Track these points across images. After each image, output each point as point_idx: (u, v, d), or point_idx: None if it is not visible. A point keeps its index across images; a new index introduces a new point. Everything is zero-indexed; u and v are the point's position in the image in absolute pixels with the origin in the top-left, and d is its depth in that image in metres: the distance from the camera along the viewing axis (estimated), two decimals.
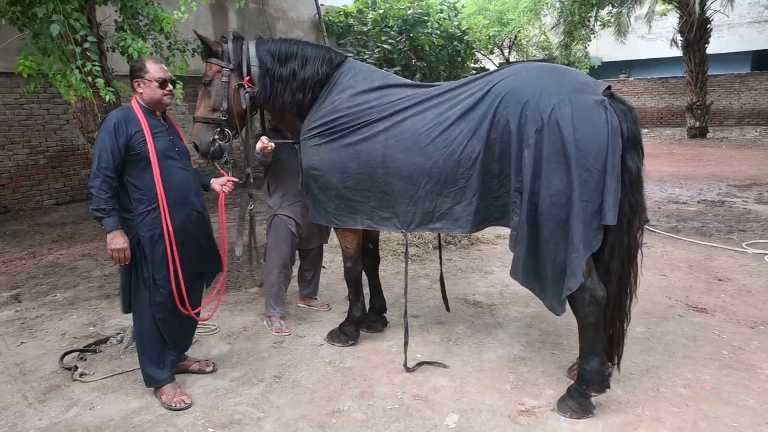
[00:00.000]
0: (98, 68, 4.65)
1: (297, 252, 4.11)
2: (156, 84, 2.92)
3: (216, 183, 3.24)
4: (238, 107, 3.29)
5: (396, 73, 8.41)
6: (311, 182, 3.27)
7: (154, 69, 2.92)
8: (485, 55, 21.84)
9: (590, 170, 2.49)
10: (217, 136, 3.28)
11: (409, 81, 3.35)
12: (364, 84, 3.21)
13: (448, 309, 3.88)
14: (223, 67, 3.25)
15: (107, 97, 4.65)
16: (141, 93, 2.94)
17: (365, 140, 3.07)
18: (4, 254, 6.17)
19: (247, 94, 3.26)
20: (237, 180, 3.29)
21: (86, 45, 4.61)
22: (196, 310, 3.17)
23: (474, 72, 14.62)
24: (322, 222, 3.38)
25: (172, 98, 3.03)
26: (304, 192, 3.40)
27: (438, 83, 3.18)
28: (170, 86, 2.97)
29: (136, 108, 2.92)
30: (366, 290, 3.83)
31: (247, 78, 3.25)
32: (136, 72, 2.93)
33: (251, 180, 3.55)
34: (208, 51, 3.29)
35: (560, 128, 2.51)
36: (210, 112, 3.30)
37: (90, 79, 4.59)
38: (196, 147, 3.34)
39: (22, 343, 3.85)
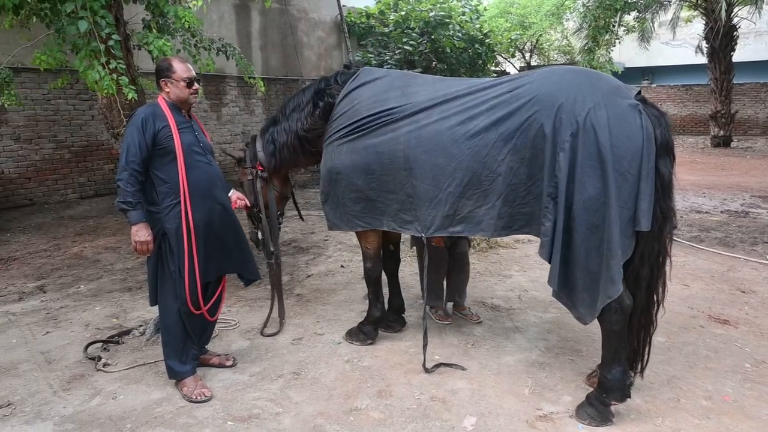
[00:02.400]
0: (123, 66, 4.73)
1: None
2: (184, 84, 2.98)
3: (234, 194, 3.39)
4: (266, 196, 3.75)
5: None
6: (334, 186, 3.29)
7: (181, 69, 2.99)
8: (506, 59, 21.73)
9: (625, 175, 2.46)
10: (256, 228, 3.80)
11: (429, 77, 3.35)
12: (386, 87, 3.23)
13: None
14: (246, 168, 3.73)
15: (129, 95, 4.74)
16: (168, 92, 3.00)
17: (387, 141, 3.07)
18: (29, 246, 6.31)
19: (260, 181, 3.70)
20: (248, 204, 3.64)
21: (110, 43, 4.70)
22: (207, 307, 3.15)
23: (494, 75, 14.57)
24: (343, 228, 3.38)
25: (197, 97, 3.11)
26: (323, 200, 3.43)
27: (458, 80, 3.19)
28: (196, 85, 3.04)
29: (163, 105, 2.99)
30: (385, 290, 3.85)
31: (257, 165, 3.68)
32: (164, 72, 2.99)
33: (279, 260, 3.91)
34: (236, 160, 3.81)
35: (596, 132, 2.48)
36: (250, 210, 3.78)
37: (114, 76, 4.68)
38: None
39: (47, 332, 3.94)
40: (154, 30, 5.38)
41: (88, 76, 4.68)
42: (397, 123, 3.05)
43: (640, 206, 2.46)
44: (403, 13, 12.14)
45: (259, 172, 3.66)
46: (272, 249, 3.80)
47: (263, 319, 4.11)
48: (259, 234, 3.79)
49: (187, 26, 5.40)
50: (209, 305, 3.19)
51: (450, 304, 4.15)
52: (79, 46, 4.74)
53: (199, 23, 5.83)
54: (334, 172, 3.25)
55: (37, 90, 8.55)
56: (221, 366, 3.35)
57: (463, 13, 12.97)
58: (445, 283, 4.10)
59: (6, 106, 6.26)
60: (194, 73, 3.05)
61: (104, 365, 3.39)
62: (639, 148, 2.46)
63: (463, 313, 4.08)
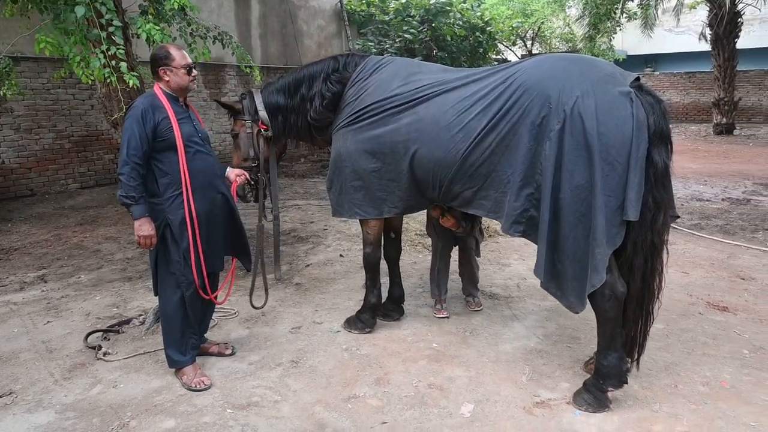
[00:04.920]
0: (122, 52, 4.69)
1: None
2: (183, 71, 2.97)
3: (231, 172, 3.34)
4: (265, 152, 3.57)
5: None
6: (338, 174, 3.35)
7: (179, 56, 2.98)
8: (507, 47, 21.56)
9: (613, 164, 2.43)
10: (251, 182, 3.55)
11: (433, 66, 3.37)
12: (390, 76, 3.27)
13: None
14: (245, 120, 3.55)
15: (131, 82, 4.69)
16: (168, 81, 2.98)
17: (390, 132, 3.13)
18: (30, 236, 6.33)
19: (262, 138, 3.54)
20: (248, 178, 3.46)
21: (111, 29, 4.65)
22: (215, 294, 3.23)
23: (495, 63, 14.46)
24: (345, 216, 3.43)
25: (195, 83, 3.10)
26: (328, 187, 3.50)
27: (460, 70, 3.21)
28: (195, 71, 3.03)
29: (160, 95, 2.97)
30: (385, 279, 3.86)
31: (260, 123, 3.53)
32: (162, 60, 2.97)
33: (279, 221, 3.82)
34: (232, 111, 3.59)
35: (583, 121, 2.47)
36: (242, 161, 3.57)
37: (114, 63, 4.63)
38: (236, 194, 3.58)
39: (48, 322, 3.96)
40: (150, 16, 5.31)
41: (76, 62, 4.64)
42: (400, 114, 3.11)
43: (628, 195, 2.42)
44: (403, 0, 12.03)
45: (263, 131, 3.53)
46: (262, 213, 3.67)
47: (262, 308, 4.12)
48: (251, 194, 3.63)
49: (179, 8, 5.29)
50: (216, 293, 3.24)
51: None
52: (71, 32, 4.68)
53: (197, 10, 5.77)
54: (339, 159, 3.33)
55: (37, 79, 8.52)
56: (220, 355, 3.37)
57: (464, 1, 12.85)
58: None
59: (7, 96, 6.24)
60: (191, 60, 3.04)
61: (104, 354, 3.41)
62: (628, 136, 2.42)
63: (466, 299, 4.10)
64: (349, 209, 3.36)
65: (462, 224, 3.71)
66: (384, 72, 3.32)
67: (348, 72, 3.43)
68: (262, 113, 3.51)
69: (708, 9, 16.78)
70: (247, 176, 3.41)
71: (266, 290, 3.65)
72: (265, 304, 3.65)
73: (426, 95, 3.06)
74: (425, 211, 3.85)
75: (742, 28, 16.95)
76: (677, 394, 2.89)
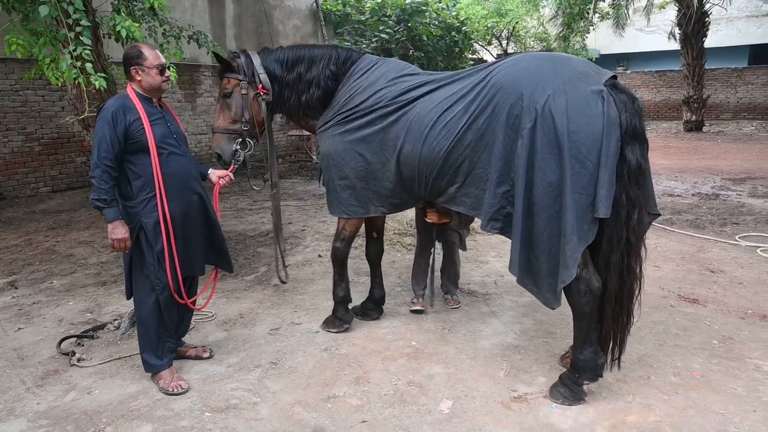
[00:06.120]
0: (87, 52, 4.58)
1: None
2: (156, 71, 2.92)
3: (214, 174, 3.26)
4: (258, 115, 3.41)
5: None
6: (327, 172, 3.37)
7: (152, 55, 2.92)
8: (483, 46, 21.73)
9: (584, 162, 2.46)
10: (239, 146, 3.38)
11: (421, 71, 3.38)
12: (380, 75, 3.29)
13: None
14: (240, 80, 3.34)
15: (97, 83, 4.59)
16: (140, 80, 2.93)
17: (377, 132, 3.17)
18: (0, 241, 6.16)
19: (263, 102, 3.38)
20: (233, 179, 3.35)
21: (79, 29, 4.55)
22: (192, 299, 3.20)
23: (472, 63, 14.58)
24: (336, 214, 3.44)
25: (168, 84, 3.05)
26: (323, 184, 3.49)
27: (446, 72, 3.26)
28: (167, 72, 2.99)
29: (133, 96, 2.92)
30: (365, 278, 3.87)
31: (260, 86, 3.36)
32: (134, 59, 2.91)
33: (278, 188, 3.70)
34: (224, 66, 3.39)
35: (554, 119, 2.50)
36: (231, 123, 3.39)
37: (80, 64, 4.53)
38: (219, 157, 3.43)
39: (19, 329, 3.87)
40: (123, 14, 5.21)
41: (46, 64, 4.53)
42: (388, 115, 3.14)
43: (598, 193, 2.44)
44: (379, 0, 12.05)
45: (262, 95, 3.36)
46: (265, 177, 3.65)
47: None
48: (240, 153, 3.38)
49: (149, 7, 5.19)
50: (194, 298, 3.20)
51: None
52: (40, 32, 4.58)
53: (168, 9, 5.69)
54: (327, 158, 3.35)
55: (5, 81, 8.30)
56: (198, 358, 3.34)
57: (440, 0, 12.93)
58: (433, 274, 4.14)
59: None
60: (164, 60, 3.00)
61: (78, 360, 3.34)
62: (598, 134, 2.45)
63: (444, 297, 4.13)
64: (337, 207, 3.39)
65: (451, 217, 3.72)
66: (374, 73, 3.33)
67: (343, 70, 3.40)
68: (264, 76, 3.35)
69: (677, 9, 17.18)
70: (231, 177, 3.31)
71: (284, 264, 3.72)
72: (287, 276, 3.83)
73: (413, 96, 3.10)
74: (409, 211, 3.88)
75: (710, 27, 17.41)
76: (650, 385, 2.96)
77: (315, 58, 3.42)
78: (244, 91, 3.34)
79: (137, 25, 4.70)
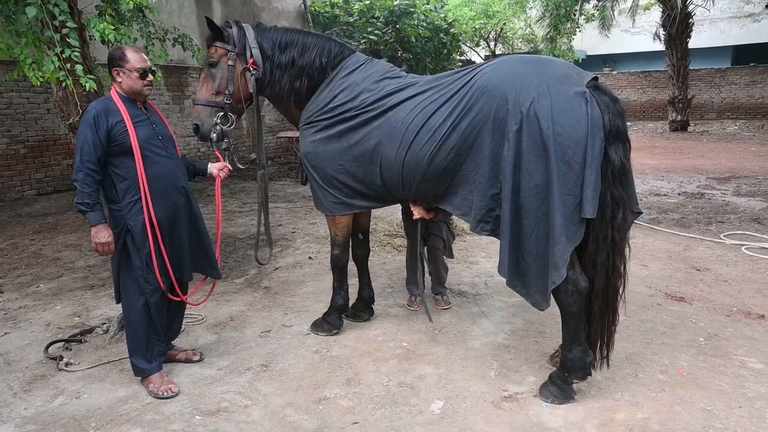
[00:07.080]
0: (77, 54, 4.54)
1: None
2: (137, 74, 2.88)
3: (213, 168, 3.25)
4: (244, 90, 3.30)
5: None
6: (308, 170, 3.36)
7: (134, 59, 2.88)
8: (471, 48, 21.85)
9: (570, 163, 2.49)
10: (219, 120, 3.26)
11: (404, 74, 3.36)
12: (364, 77, 3.24)
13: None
14: (229, 50, 3.24)
15: (87, 85, 4.56)
16: (120, 82, 2.90)
17: (359, 133, 3.14)
18: None
19: (252, 77, 3.27)
20: (231, 168, 3.31)
21: (65, 31, 4.51)
22: (187, 296, 3.20)
23: (460, 64, 14.65)
24: (320, 211, 3.46)
25: (152, 89, 3.01)
26: (302, 183, 3.52)
27: (428, 76, 3.25)
28: (150, 76, 2.94)
29: (116, 98, 2.89)
30: (355, 280, 3.87)
31: (251, 61, 3.25)
32: (116, 61, 2.88)
33: (266, 169, 3.63)
34: (214, 34, 3.28)
35: (539, 121, 2.51)
36: (213, 95, 3.28)
37: (68, 66, 4.49)
38: (197, 129, 3.32)
39: (5, 333, 3.82)
40: (109, 17, 5.17)
41: (27, 65, 4.49)
42: (371, 119, 3.11)
43: (585, 193, 2.48)
44: (367, 2, 12.06)
45: (252, 70, 3.25)
46: (252, 157, 3.63)
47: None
48: (227, 141, 3.29)
49: (136, 8, 5.13)
50: (189, 295, 3.20)
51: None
52: (24, 33, 4.53)
53: (155, 11, 5.65)
54: (307, 159, 3.33)
55: None
56: (188, 361, 3.32)
57: (428, 2, 12.97)
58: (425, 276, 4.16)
59: None
60: (149, 64, 2.96)
61: (66, 364, 3.31)
62: (583, 136, 2.47)
63: (435, 298, 4.15)
64: (321, 204, 3.40)
65: (436, 213, 3.72)
66: (359, 74, 3.27)
67: (332, 65, 3.33)
68: (256, 51, 3.24)
69: (661, 10, 17.40)
70: (230, 168, 3.26)
71: (270, 246, 3.69)
72: (270, 257, 3.76)
73: (396, 100, 3.07)
74: (398, 212, 3.90)
75: (693, 28, 17.66)
76: (638, 383, 2.99)
77: (307, 46, 3.33)
78: (231, 63, 3.24)
79: (112, 28, 4.65)
